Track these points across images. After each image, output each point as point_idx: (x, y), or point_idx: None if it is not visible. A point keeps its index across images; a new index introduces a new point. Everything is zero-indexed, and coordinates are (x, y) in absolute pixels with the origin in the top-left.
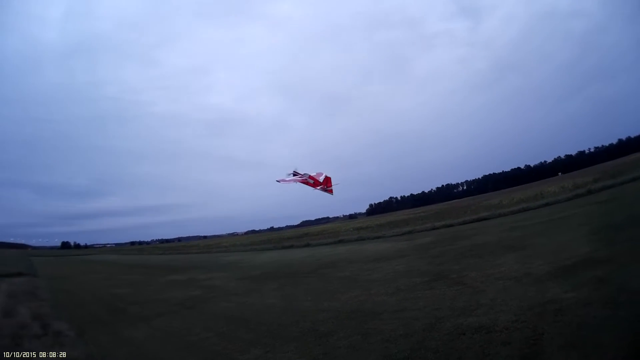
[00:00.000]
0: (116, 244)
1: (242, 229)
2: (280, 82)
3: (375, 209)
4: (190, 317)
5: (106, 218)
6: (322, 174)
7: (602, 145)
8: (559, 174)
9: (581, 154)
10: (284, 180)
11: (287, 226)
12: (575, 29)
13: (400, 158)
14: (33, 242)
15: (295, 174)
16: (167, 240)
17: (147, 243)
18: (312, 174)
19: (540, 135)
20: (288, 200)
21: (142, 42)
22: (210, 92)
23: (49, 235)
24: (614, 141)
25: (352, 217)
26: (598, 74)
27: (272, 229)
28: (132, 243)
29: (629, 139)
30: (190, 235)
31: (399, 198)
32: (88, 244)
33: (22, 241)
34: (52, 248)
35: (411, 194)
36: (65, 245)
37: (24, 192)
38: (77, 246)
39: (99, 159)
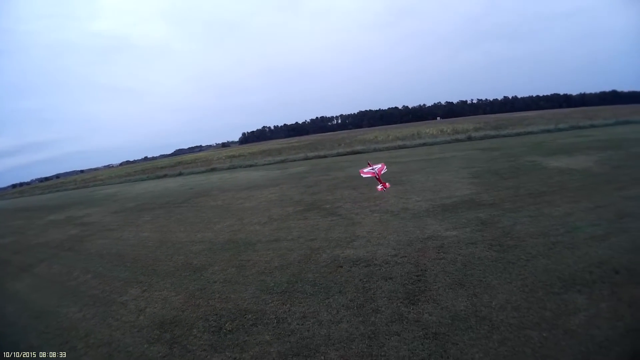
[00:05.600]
0: None
1: (117, 160)
2: (166, 5)
3: (249, 138)
4: (68, 259)
5: None
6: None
7: (486, 99)
8: (438, 118)
9: (463, 103)
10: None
11: (160, 155)
12: None
13: (280, 89)
14: None
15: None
16: (47, 179)
17: (28, 184)
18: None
19: (424, 80)
20: (161, 129)
21: None
22: (98, 18)
23: None
24: (499, 97)
25: (224, 145)
26: (501, 34)
27: (146, 158)
28: (14, 186)
29: (515, 98)
30: (68, 170)
31: (273, 128)
32: None
33: None
34: None
35: (285, 124)
36: None
37: None
38: None
39: None
